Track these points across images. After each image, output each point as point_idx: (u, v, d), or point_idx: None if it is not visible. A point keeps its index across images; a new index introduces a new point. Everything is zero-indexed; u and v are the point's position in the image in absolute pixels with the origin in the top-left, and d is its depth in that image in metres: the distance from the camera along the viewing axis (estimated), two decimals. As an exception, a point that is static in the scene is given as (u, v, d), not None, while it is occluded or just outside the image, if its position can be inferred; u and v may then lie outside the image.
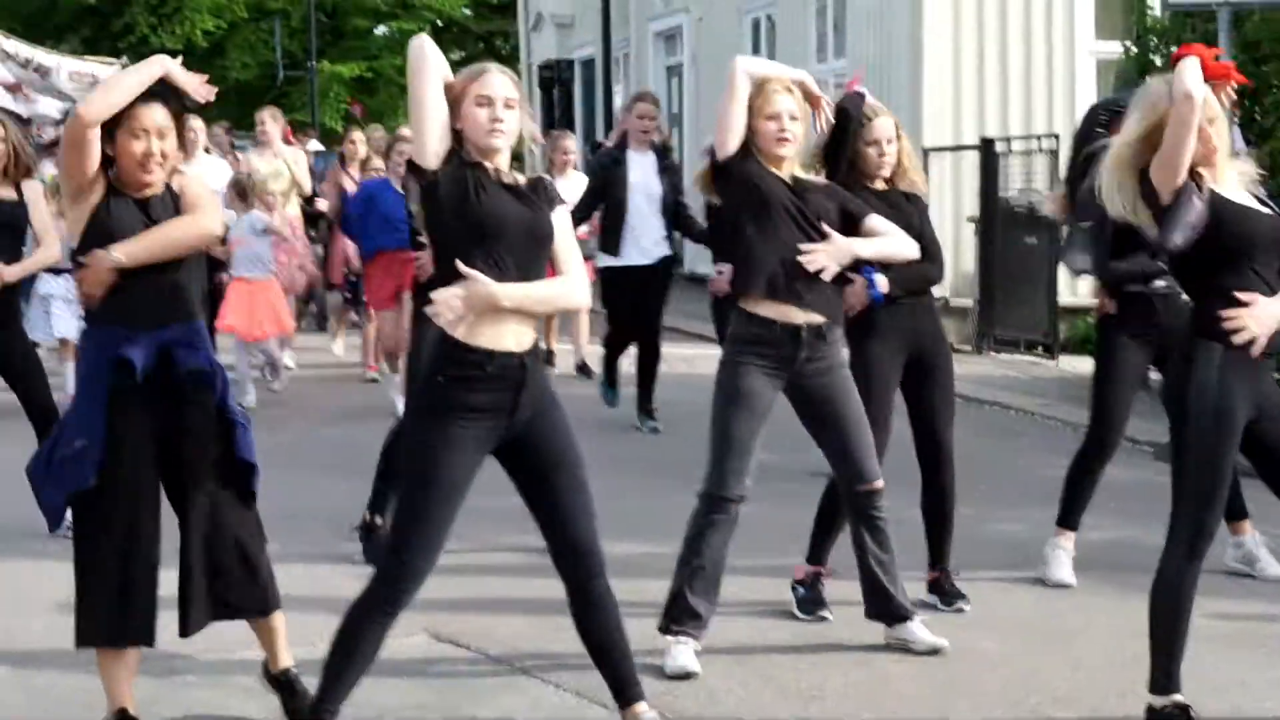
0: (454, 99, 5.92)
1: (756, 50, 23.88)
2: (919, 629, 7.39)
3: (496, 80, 5.93)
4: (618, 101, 27.11)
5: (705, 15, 25.27)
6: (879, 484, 7.32)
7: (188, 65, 6.38)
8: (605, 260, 13.11)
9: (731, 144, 7.16)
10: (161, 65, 6.26)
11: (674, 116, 25.24)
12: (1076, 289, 18.44)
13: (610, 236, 12.88)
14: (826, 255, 7.08)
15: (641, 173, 12.78)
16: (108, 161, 6.23)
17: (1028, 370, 16.43)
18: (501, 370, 5.89)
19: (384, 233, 12.34)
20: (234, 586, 6.37)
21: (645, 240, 12.88)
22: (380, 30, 45.68)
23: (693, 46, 25.82)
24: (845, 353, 7.49)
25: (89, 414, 6.20)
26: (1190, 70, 5.96)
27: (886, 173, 7.83)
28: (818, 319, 7.17)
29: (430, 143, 5.87)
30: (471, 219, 5.84)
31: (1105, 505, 10.37)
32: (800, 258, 7.08)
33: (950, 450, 8.05)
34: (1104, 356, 8.43)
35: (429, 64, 5.87)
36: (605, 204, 12.86)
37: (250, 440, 6.41)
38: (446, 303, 5.83)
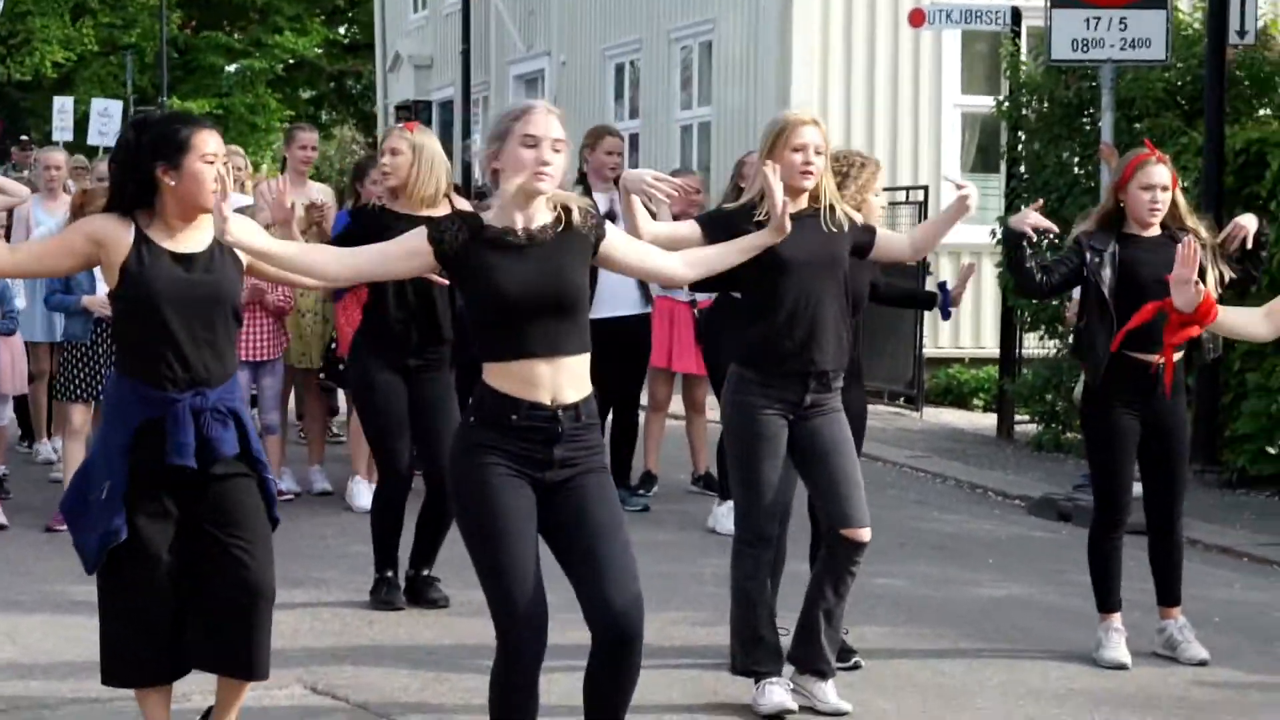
0: (497, 136, 5.52)
1: (619, 96, 23.84)
2: (830, 690, 7.10)
3: (543, 119, 5.51)
4: (477, 143, 26.91)
5: (568, 59, 25.15)
6: (865, 535, 7.02)
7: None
8: None
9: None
10: None
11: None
12: (939, 340, 18.54)
13: None
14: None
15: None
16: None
17: (892, 422, 16.40)
18: (530, 421, 5.47)
19: None
20: (236, 641, 5.93)
21: (619, 293, 11.38)
22: (232, 68, 45.22)
23: (553, 90, 25.69)
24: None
25: (113, 457, 5.87)
26: None
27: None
28: (825, 367, 7.01)
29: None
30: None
31: (983, 561, 10.33)
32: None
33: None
34: (1096, 425, 8.13)
35: None
36: None
37: (274, 491, 6.10)
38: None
